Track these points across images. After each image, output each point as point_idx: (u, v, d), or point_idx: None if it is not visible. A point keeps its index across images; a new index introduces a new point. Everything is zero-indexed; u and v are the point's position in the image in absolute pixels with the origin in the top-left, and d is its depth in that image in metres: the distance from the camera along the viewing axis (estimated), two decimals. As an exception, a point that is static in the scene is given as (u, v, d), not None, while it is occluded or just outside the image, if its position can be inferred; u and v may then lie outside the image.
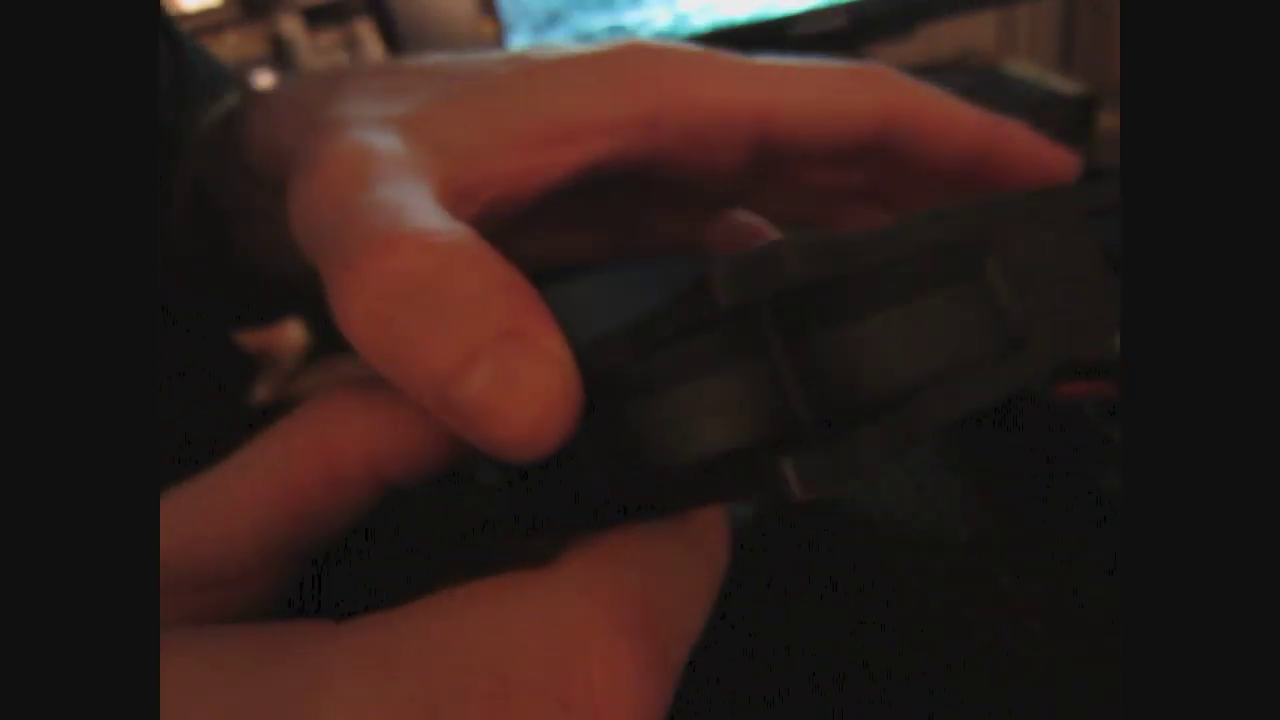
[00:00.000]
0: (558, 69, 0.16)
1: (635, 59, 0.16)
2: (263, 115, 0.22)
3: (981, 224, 0.13)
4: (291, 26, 1.97)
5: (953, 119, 0.18)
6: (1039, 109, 0.61)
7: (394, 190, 0.13)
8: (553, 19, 0.74)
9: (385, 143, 0.14)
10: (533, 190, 0.16)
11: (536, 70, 0.16)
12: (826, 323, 0.12)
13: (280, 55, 1.91)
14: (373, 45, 1.95)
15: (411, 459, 0.14)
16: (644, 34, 0.74)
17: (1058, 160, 0.18)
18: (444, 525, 0.16)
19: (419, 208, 0.13)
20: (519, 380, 0.11)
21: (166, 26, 0.36)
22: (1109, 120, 0.62)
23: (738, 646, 0.23)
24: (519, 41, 0.73)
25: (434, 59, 0.18)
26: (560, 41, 0.74)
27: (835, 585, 0.25)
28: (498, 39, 1.30)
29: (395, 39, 1.14)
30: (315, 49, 2.05)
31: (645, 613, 0.12)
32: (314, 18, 2.03)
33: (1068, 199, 0.15)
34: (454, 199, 0.15)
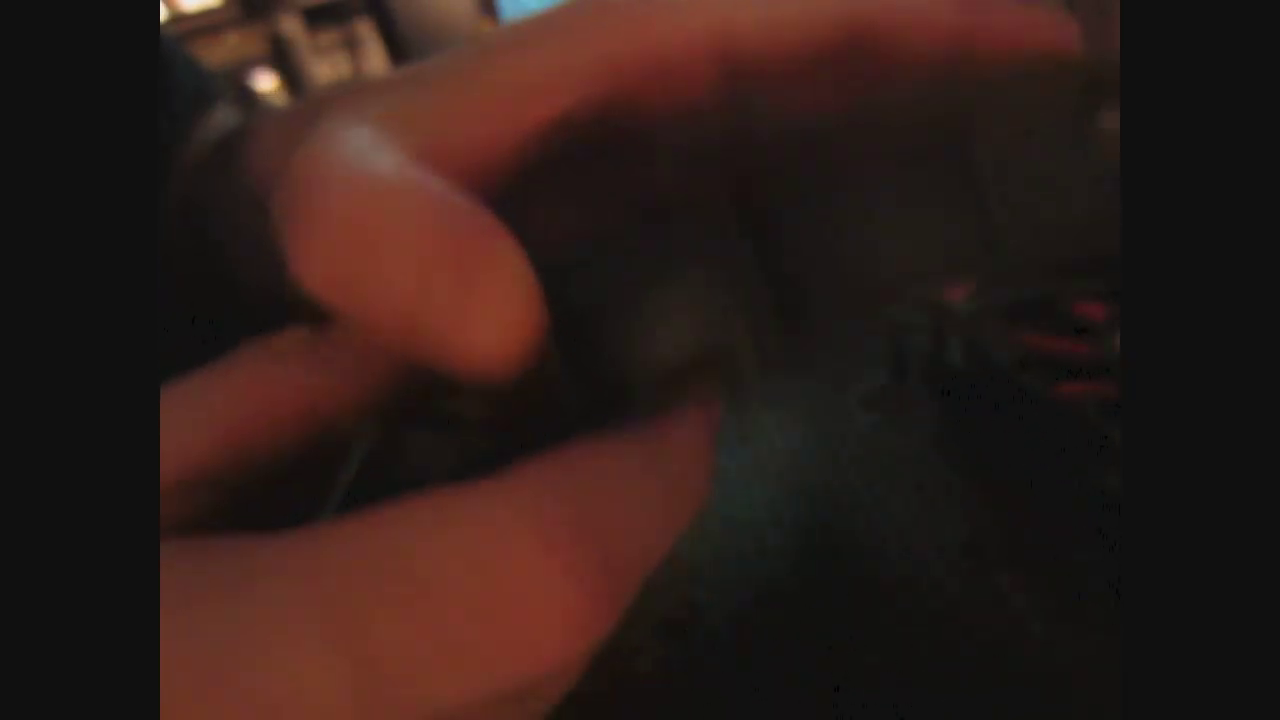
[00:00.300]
0: (515, 33, 0.16)
1: (586, 5, 0.16)
2: (255, 140, 0.23)
3: (962, 104, 0.13)
4: (291, 26, 1.97)
5: (922, 8, 0.17)
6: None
7: (353, 152, 0.13)
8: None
9: (355, 132, 0.14)
10: (506, 155, 0.16)
11: (496, 39, 0.16)
12: (790, 202, 0.12)
13: (280, 55, 1.91)
14: (373, 45, 1.96)
15: (350, 402, 0.13)
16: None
17: (1053, 30, 0.16)
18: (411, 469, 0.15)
19: (371, 156, 0.13)
20: (479, 292, 0.11)
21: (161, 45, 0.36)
22: (1109, 120, 0.62)
23: (738, 644, 0.23)
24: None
25: (424, 61, 0.17)
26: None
27: (834, 585, 0.25)
28: (498, 39, 1.30)
29: (395, 39, 1.14)
30: (315, 49, 2.05)
31: (584, 527, 0.11)
32: (314, 18, 2.03)
33: (1064, 76, 0.14)
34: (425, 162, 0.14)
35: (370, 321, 0.12)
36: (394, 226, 0.12)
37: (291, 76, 1.90)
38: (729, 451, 0.32)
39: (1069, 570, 0.23)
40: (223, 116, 0.39)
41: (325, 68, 2.02)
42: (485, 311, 0.11)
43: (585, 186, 0.20)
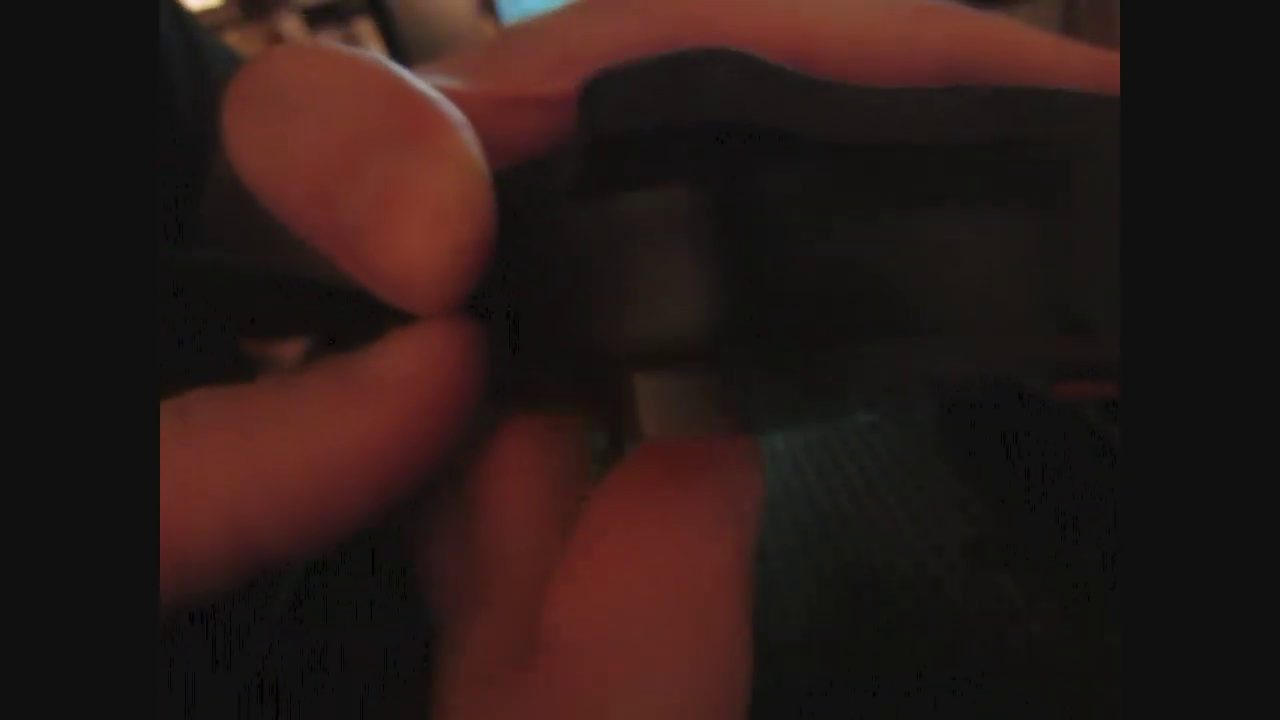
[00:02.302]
0: (561, 10, 0.15)
1: None
2: None
3: (1063, 118, 0.09)
4: (291, 26, 1.97)
5: (1044, 65, 0.14)
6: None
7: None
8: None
9: None
10: (530, 124, 0.15)
11: (541, 17, 0.15)
12: (782, 201, 0.09)
13: (280, 55, 1.90)
14: (373, 45, 1.95)
15: (294, 530, 0.10)
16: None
17: None
18: None
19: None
20: (411, 187, 0.09)
21: (184, 24, 0.36)
22: None
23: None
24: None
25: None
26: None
27: (833, 585, 0.25)
28: (497, 39, 1.30)
29: (395, 39, 1.14)
30: (315, 49, 2.05)
31: None
32: (314, 18, 2.03)
33: None
34: None
35: (287, 206, 0.10)
36: (325, 84, 0.10)
37: (291, 76, 1.90)
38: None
39: (1069, 571, 0.23)
40: None
41: (325, 68, 2.02)
42: (415, 210, 0.09)
43: None
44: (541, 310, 0.10)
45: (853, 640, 0.23)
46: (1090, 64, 0.14)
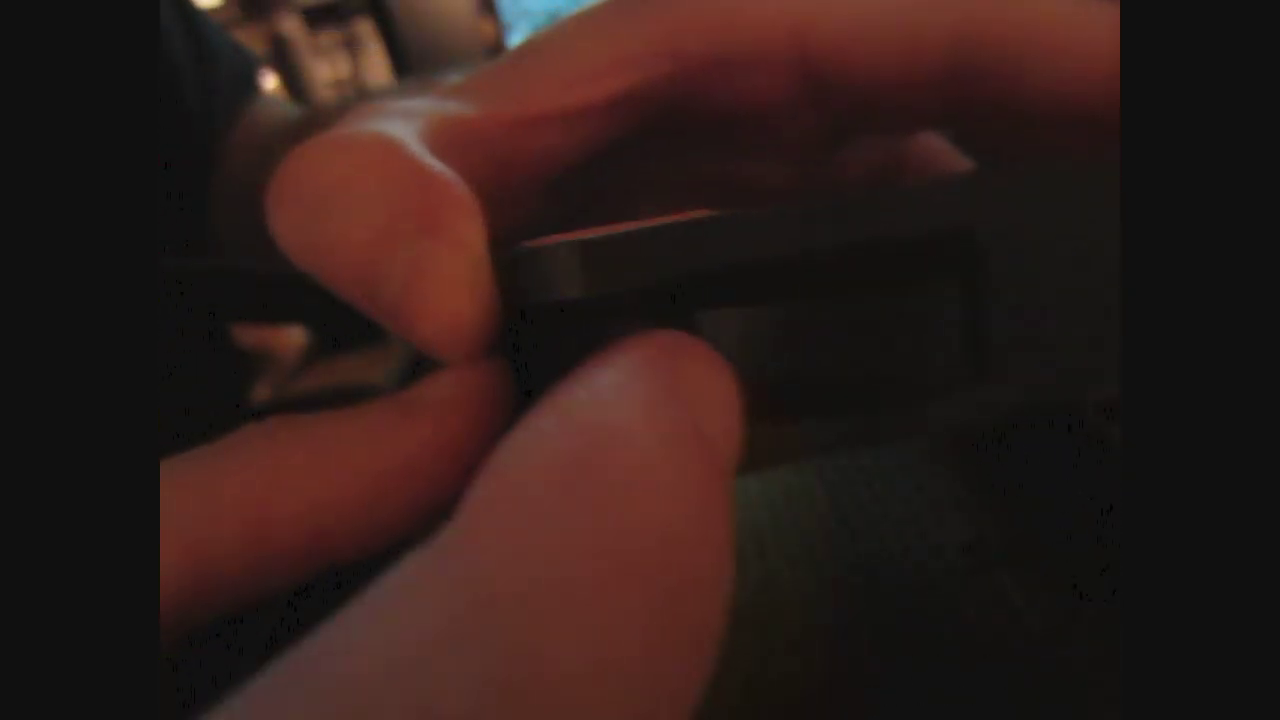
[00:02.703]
0: (570, 21, 0.15)
1: None
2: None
3: (980, 195, 0.11)
4: (291, 26, 1.96)
5: (1060, 44, 0.14)
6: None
7: (351, 126, 0.13)
8: (553, 19, 0.74)
9: (377, 118, 0.13)
10: (556, 138, 0.15)
11: (550, 30, 0.15)
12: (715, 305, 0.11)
13: (280, 55, 1.91)
14: (373, 45, 1.95)
15: (363, 525, 0.11)
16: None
17: None
18: None
19: (364, 127, 0.13)
20: (431, 269, 0.11)
21: (187, 15, 0.37)
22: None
23: (738, 647, 0.23)
24: (519, 42, 0.73)
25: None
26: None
27: (833, 585, 0.25)
28: (498, 39, 1.30)
29: (395, 39, 1.14)
30: (315, 49, 2.05)
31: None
32: (314, 18, 2.03)
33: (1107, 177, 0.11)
34: (441, 151, 0.14)
35: (333, 280, 0.12)
36: (354, 181, 0.12)
37: (291, 76, 1.90)
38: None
39: (1070, 570, 0.23)
40: (268, 102, 0.40)
41: (325, 68, 2.02)
42: (435, 289, 0.11)
43: (664, 178, 0.19)
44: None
45: (853, 640, 0.23)
46: (1112, 29, 0.14)
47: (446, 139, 0.14)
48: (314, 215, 0.12)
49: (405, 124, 0.13)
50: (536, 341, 0.12)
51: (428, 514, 0.12)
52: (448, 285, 0.11)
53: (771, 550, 0.26)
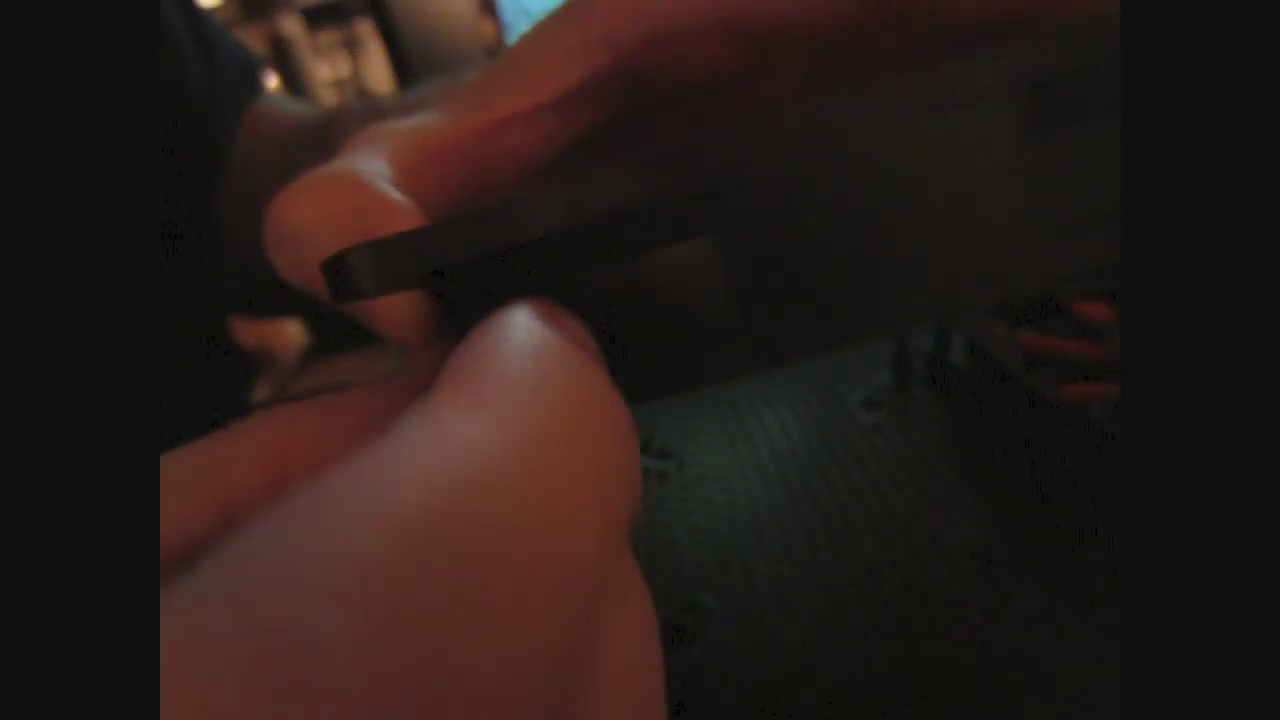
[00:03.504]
0: (524, 35, 0.18)
1: None
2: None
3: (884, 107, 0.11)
4: (291, 26, 1.97)
5: None
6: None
7: (330, 168, 0.15)
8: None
9: (356, 154, 0.16)
10: (525, 137, 0.17)
11: (512, 44, 0.18)
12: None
13: (280, 55, 1.91)
14: (373, 45, 1.95)
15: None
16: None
17: None
18: None
19: (334, 162, 0.15)
20: None
21: (189, 10, 0.37)
22: (1059, 139, 0.61)
23: (744, 649, 0.23)
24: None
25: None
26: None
27: (838, 588, 0.25)
28: (498, 39, 1.30)
29: (395, 39, 1.14)
30: (315, 49, 2.05)
31: None
32: (314, 18, 2.03)
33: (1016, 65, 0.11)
34: (411, 165, 0.16)
35: (320, 294, 0.14)
36: (316, 215, 0.14)
37: (291, 76, 1.90)
38: (732, 454, 0.32)
39: (1076, 574, 0.23)
40: (273, 100, 0.40)
41: (325, 68, 2.02)
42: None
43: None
44: None
45: (857, 644, 0.23)
46: None
47: (421, 152, 0.16)
48: (293, 246, 0.15)
49: (375, 151, 0.16)
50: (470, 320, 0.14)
51: None
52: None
53: (776, 553, 0.26)
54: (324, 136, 0.36)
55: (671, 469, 0.32)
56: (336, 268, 0.13)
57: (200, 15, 0.38)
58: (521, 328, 0.11)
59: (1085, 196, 0.12)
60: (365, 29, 1.93)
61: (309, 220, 0.15)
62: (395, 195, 0.15)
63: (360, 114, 0.36)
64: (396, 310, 0.14)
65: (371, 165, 0.15)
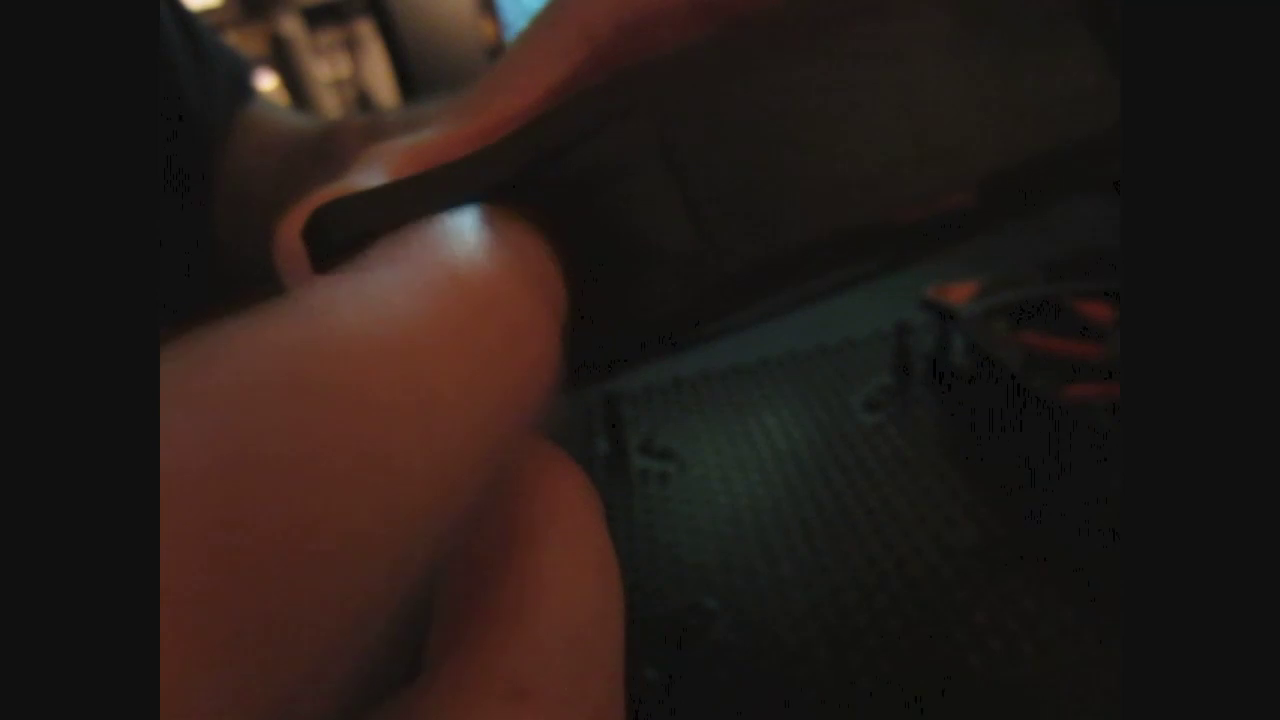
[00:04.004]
0: (512, 44, 0.19)
1: None
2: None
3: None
4: (291, 26, 1.97)
5: None
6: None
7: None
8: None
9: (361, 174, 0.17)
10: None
11: (501, 57, 0.19)
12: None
13: (280, 55, 1.91)
14: (373, 45, 1.96)
15: None
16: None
17: None
18: None
19: (335, 183, 0.16)
20: None
21: (184, 19, 0.37)
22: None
23: (746, 651, 0.23)
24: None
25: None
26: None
27: (839, 589, 0.25)
28: (498, 39, 1.30)
29: (395, 39, 1.14)
30: (315, 49, 2.05)
31: None
32: (314, 18, 2.03)
33: None
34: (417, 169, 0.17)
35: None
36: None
37: (291, 76, 1.90)
38: (733, 455, 0.32)
39: (1080, 574, 0.23)
40: (264, 105, 0.41)
41: (325, 68, 2.02)
42: None
43: None
44: None
45: (860, 644, 0.23)
46: None
47: (419, 165, 0.17)
48: (300, 265, 0.15)
49: (377, 170, 0.17)
50: None
51: None
52: None
53: (778, 553, 0.26)
54: (322, 148, 0.36)
55: (673, 470, 0.32)
56: (312, 229, 0.14)
57: (193, 20, 0.38)
58: (466, 222, 0.12)
59: (1034, 74, 0.12)
60: (365, 29, 1.93)
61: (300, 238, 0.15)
62: None
63: (361, 128, 0.36)
64: None
65: (374, 184, 0.16)
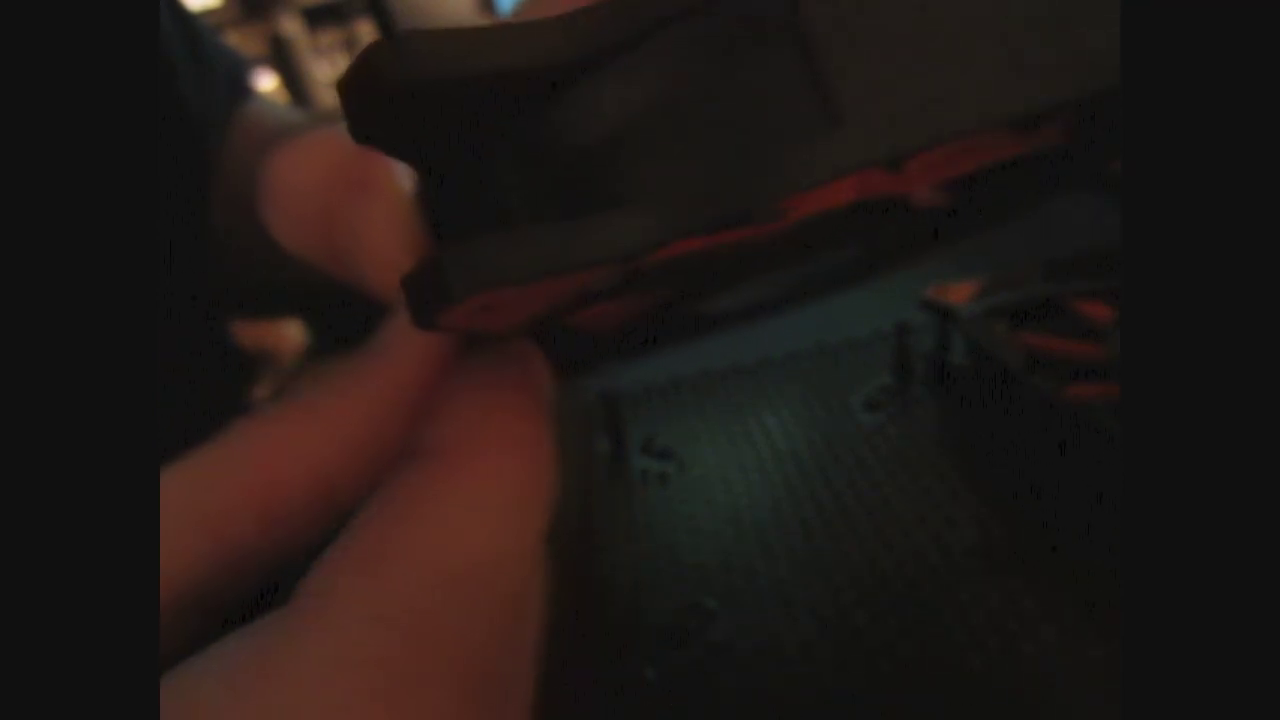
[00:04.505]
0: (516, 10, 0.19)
1: None
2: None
3: None
4: (291, 26, 1.97)
5: None
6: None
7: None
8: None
9: None
10: None
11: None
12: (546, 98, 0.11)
13: (280, 55, 1.91)
14: (373, 45, 1.95)
15: (365, 467, 0.13)
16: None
17: None
18: None
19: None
20: (366, 215, 0.14)
21: (182, 18, 0.37)
22: None
23: (746, 651, 0.23)
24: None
25: None
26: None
27: (839, 589, 0.24)
28: (498, 39, 1.30)
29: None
30: (315, 49, 2.05)
31: None
32: (314, 18, 2.03)
33: None
34: None
35: (305, 250, 0.15)
36: (309, 167, 0.15)
37: (291, 76, 1.90)
38: (733, 455, 0.32)
39: (1081, 574, 0.23)
40: (262, 104, 0.40)
41: (325, 68, 2.02)
42: (370, 223, 0.14)
43: None
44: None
45: (860, 645, 0.23)
46: None
47: None
48: (286, 202, 0.15)
49: None
50: None
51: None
52: (380, 224, 0.14)
53: (777, 554, 0.26)
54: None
55: (672, 470, 0.32)
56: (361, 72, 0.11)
57: (190, 19, 0.38)
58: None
59: None
60: (365, 29, 1.93)
61: (305, 177, 0.15)
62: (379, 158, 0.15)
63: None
64: (388, 250, 0.14)
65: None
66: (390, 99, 0.11)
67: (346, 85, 0.11)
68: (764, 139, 0.11)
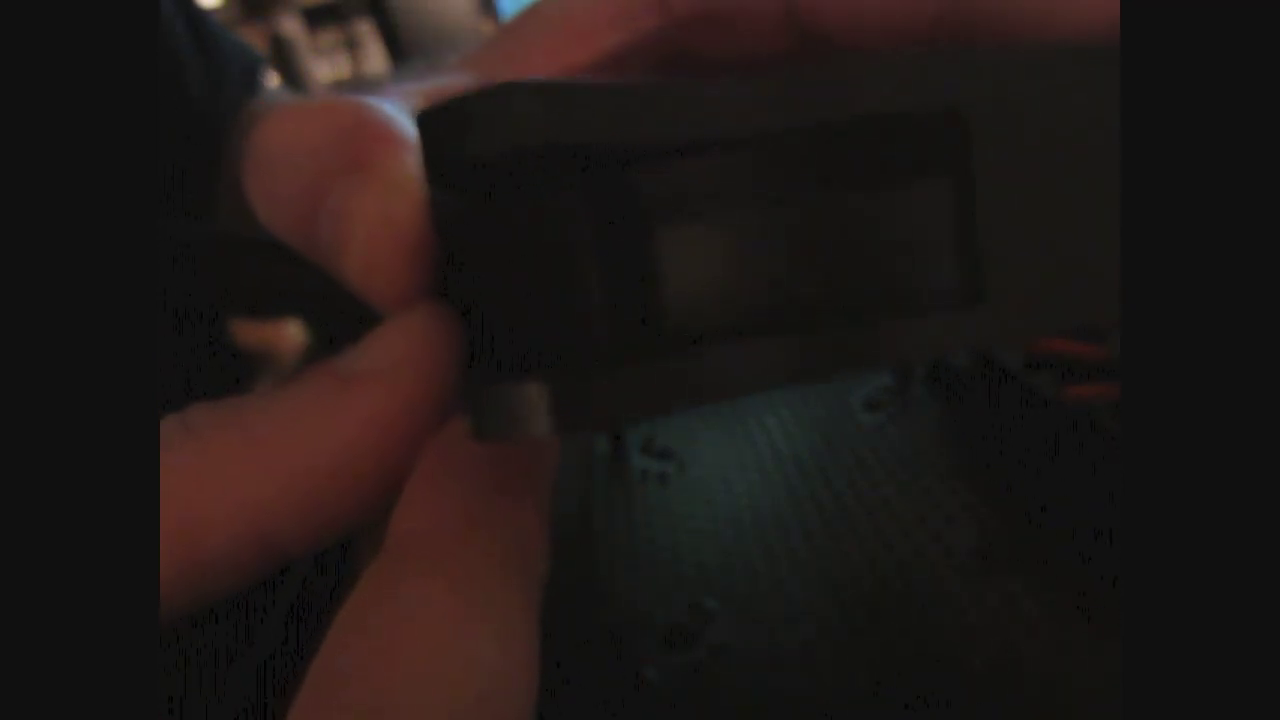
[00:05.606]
0: None
1: None
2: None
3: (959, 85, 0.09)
4: (291, 26, 1.97)
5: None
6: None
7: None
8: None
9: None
10: None
11: (536, 2, 0.16)
12: (650, 215, 0.09)
13: (280, 55, 1.91)
14: (373, 45, 1.95)
15: (308, 521, 0.11)
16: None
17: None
18: None
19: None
20: (355, 202, 0.11)
21: (192, 14, 0.37)
22: None
23: (746, 651, 0.23)
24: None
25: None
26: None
27: (840, 592, 0.24)
28: (498, 39, 1.30)
29: (395, 39, 1.14)
30: (315, 49, 2.05)
31: None
32: (314, 18, 2.03)
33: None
34: None
35: (282, 231, 0.13)
36: (299, 135, 0.12)
37: (291, 76, 1.90)
38: (733, 455, 0.32)
39: (1081, 576, 0.23)
40: (274, 98, 0.40)
41: (325, 68, 2.02)
42: (357, 212, 0.11)
43: None
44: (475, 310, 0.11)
45: (860, 645, 0.23)
46: None
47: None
48: (268, 170, 0.13)
49: (398, 102, 0.13)
50: (476, 277, 0.11)
51: (383, 496, 0.11)
52: (372, 215, 0.11)
53: (778, 556, 0.26)
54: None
55: (672, 471, 0.32)
56: (451, 120, 0.10)
57: (199, 15, 0.38)
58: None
59: None
60: (365, 29, 1.93)
61: (293, 143, 0.12)
62: (388, 115, 0.12)
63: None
64: (375, 246, 0.11)
65: (394, 109, 0.13)
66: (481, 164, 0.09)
67: (432, 134, 0.10)
68: (893, 284, 0.09)
